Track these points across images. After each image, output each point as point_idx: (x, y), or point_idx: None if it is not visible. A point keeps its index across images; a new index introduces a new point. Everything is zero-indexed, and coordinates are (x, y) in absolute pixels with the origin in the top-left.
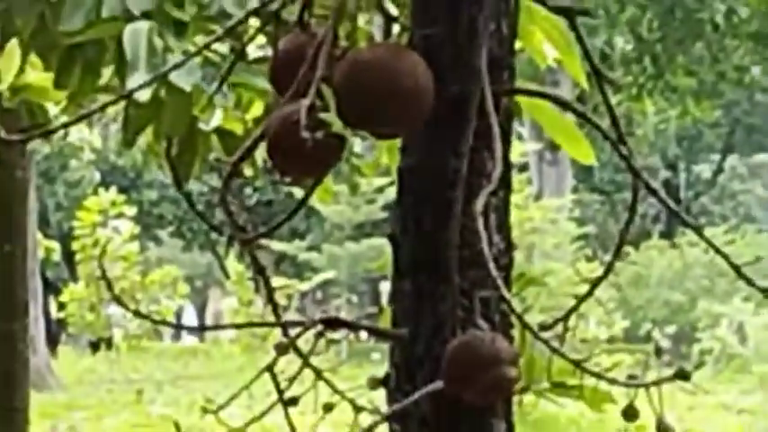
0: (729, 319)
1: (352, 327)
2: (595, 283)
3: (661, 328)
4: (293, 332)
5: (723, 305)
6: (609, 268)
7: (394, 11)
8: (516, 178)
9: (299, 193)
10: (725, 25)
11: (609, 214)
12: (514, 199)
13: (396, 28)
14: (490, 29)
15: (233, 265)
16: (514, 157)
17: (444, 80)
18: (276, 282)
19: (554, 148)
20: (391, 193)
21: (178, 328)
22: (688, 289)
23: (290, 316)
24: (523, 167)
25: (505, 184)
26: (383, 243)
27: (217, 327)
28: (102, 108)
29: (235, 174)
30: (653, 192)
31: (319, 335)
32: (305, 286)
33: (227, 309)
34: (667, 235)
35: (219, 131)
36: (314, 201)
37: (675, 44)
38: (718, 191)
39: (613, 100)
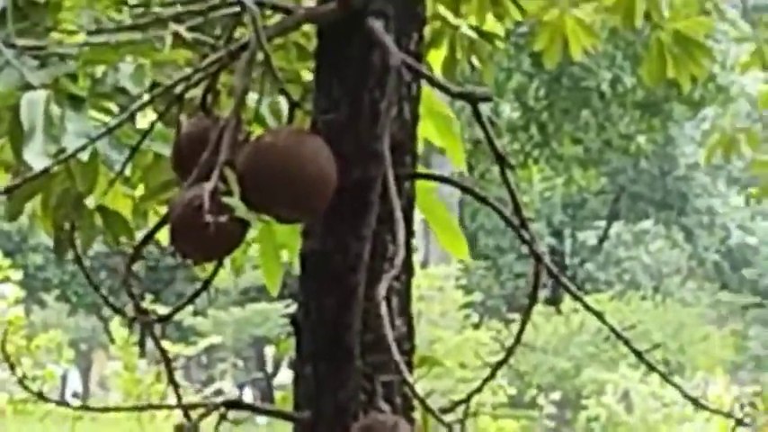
0: (615, 386)
1: (255, 409)
2: (497, 367)
3: (546, 395)
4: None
5: (609, 372)
6: (510, 352)
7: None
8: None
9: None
10: (611, 94)
11: (494, 279)
12: None
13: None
14: (392, 113)
15: (117, 329)
16: None
17: (347, 165)
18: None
19: None
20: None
21: (80, 409)
22: (573, 355)
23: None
24: None
25: (408, 268)
26: (268, 308)
27: (117, 408)
28: (12, 189)
29: (137, 257)
30: (555, 277)
31: (222, 417)
32: (190, 351)
33: (111, 373)
34: (552, 301)
35: (102, 210)
36: (199, 267)
37: (562, 112)
38: (603, 257)
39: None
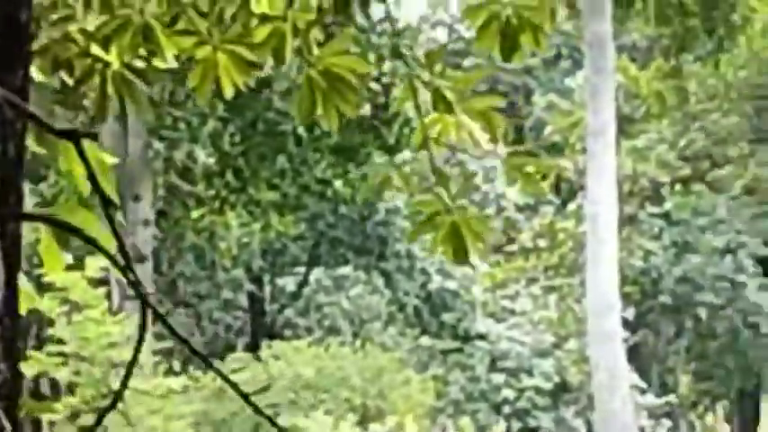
0: None
1: None
2: (103, 413)
3: None
4: None
5: (307, 418)
6: (118, 396)
7: None
8: (95, 293)
9: None
10: (307, 138)
11: (196, 326)
12: (92, 314)
13: None
14: None
15: None
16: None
17: None
18: None
19: None
20: None
21: None
22: (272, 402)
23: None
24: (102, 281)
25: (11, 310)
26: None
27: None
28: None
29: None
30: (162, 318)
31: None
32: None
33: None
34: (252, 348)
35: None
36: None
37: (258, 158)
38: (303, 303)
39: (195, 214)
